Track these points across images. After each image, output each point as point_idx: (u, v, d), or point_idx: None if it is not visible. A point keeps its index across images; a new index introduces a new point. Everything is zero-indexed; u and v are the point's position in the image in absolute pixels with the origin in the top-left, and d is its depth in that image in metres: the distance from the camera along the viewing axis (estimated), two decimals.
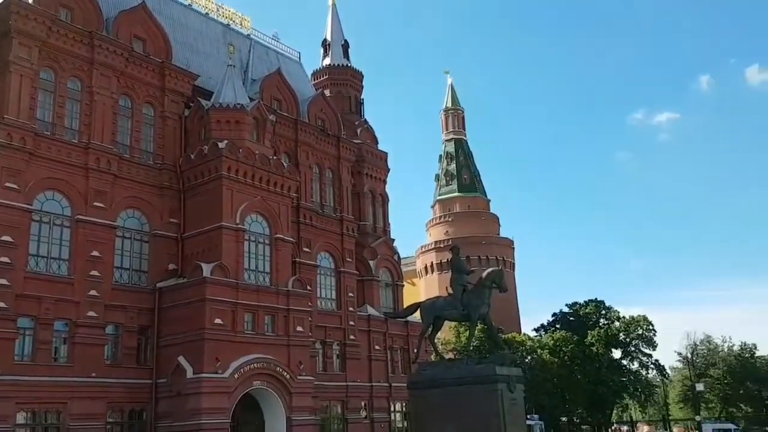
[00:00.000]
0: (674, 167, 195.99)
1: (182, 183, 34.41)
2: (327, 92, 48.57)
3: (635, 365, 67.66)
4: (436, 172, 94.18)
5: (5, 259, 27.33)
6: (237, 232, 32.75)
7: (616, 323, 67.25)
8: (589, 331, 65.74)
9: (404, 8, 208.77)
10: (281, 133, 40.58)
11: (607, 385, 64.22)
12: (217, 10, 44.13)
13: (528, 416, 38.90)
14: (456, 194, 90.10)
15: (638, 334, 66.36)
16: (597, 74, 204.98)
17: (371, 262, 45.59)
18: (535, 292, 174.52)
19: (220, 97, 35.54)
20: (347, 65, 51.77)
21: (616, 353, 67.31)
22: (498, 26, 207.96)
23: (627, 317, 67.69)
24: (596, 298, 70.32)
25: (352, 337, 41.96)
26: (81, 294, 29.48)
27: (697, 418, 68.27)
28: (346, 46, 52.69)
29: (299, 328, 34.40)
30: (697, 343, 75.66)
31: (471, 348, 29.53)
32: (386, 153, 50.83)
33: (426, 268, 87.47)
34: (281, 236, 35.00)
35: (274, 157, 36.44)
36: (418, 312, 20.68)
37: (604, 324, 67.55)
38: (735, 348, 74.49)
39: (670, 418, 79.59)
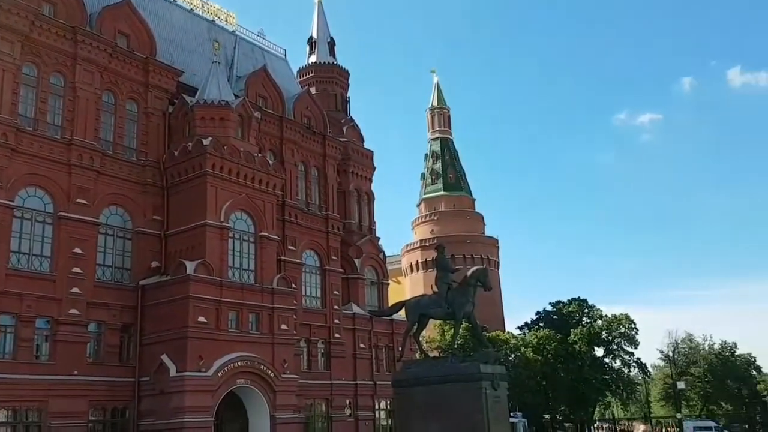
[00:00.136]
0: (657, 168, 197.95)
1: (166, 180, 34.16)
2: (313, 90, 48.45)
3: (617, 363, 68.32)
4: (421, 171, 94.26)
5: None
6: (221, 230, 32.58)
7: (599, 322, 67.81)
8: (572, 330, 66.23)
9: (390, 7, 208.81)
10: (266, 131, 40.42)
11: (590, 383, 64.78)
12: (202, 6, 43.81)
13: (511, 414, 39.11)
14: (441, 193, 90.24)
15: (620, 333, 66.96)
16: (581, 75, 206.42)
17: (356, 261, 45.60)
18: (520, 290, 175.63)
19: (204, 93, 35.33)
20: (333, 63, 51.66)
21: (599, 351, 67.89)
22: (484, 26, 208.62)
23: (609, 316, 68.28)
24: (579, 297, 70.88)
25: (337, 335, 41.94)
26: (63, 291, 29.20)
27: (678, 415, 69.06)
28: (332, 44, 52.58)
29: (284, 327, 34.33)
30: (679, 341, 76.63)
31: (455, 346, 29.61)
32: (372, 151, 50.84)
33: (411, 266, 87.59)
34: (266, 234, 34.89)
35: (259, 155, 36.29)
36: (403, 310, 20.71)
37: (586, 322, 68.07)
38: (716, 346, 75.45)
39: (652, 415, 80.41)
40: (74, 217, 30.23)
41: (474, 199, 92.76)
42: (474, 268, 20.63)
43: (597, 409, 76.64)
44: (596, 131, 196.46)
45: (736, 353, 74.73)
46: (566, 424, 73.59)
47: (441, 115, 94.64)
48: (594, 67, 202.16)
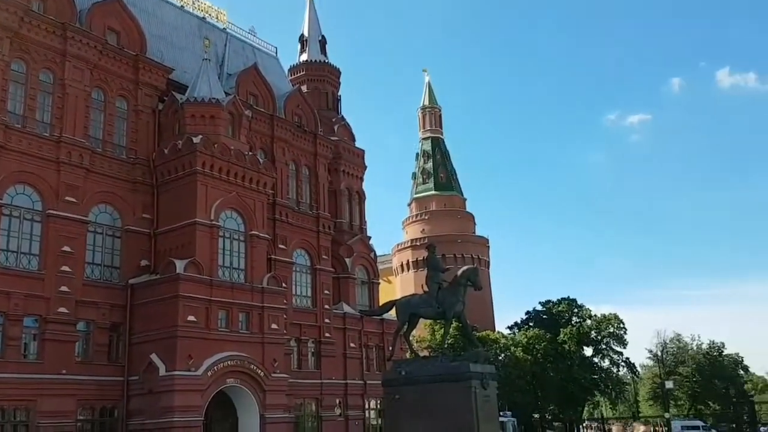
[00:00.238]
0: (646, 168, 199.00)
1: (155, 178, 33.99)
2: (304, 88, 48.34)
3: (606, 363, 68.66)
4: (412, 171, 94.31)
5: None
6: (211, 229, 32.45)
7: (588, 321, 68.10)
8: (561, 329, 66.48)
9: (382, 5, 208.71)
10: (257, 129, 40.30)
11: (579, 382, 65.06)
12: (193, 3, 43.60)
13: (501, 413, 39.22)
14: (432, 192, 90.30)
15: (609, 332, 67.29)
16: (571, 76, 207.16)
17: (347, 260, 45.56)
18: (510, 290, 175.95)
19: (194, 91, 35.17)
20: (324, 61, 51.58)
21: (588, 351, 68.20)
22: (475, 26, 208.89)
23: (599, 315, 68.60)
24: (569, 297, 71.11)
25: (327, 334, 41.89)
26: (51, 290, 28.99)
27: (667, 415, 69.49)
28: (323, 42, 52.50)
29: (274, 326, 34.24)
30: (667, 341, 77.04)
31: (445, 345, 29.60)
32: (363, 150, 50.80)
33: (402, 266, 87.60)
34: (256, 233, 34.78)
35: (250, 153, 36.18)
36: (394, 310, 20.71)
37: (576, 322, 68.35)
38: (704, 346, 75.97)
39: (640, 415, 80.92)
40: (63, 215, 30.01)
41: (465, 199, 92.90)
42: (464, 268, 20.66)
43: (586, 408, 76.96)
44: (586, 132, 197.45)
45: (723, 353, 75.29)
46: (555, 424, 73.90)
47: (432, 114, 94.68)
48: (584, 68, 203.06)
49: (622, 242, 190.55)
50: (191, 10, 43.49)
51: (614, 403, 75.70)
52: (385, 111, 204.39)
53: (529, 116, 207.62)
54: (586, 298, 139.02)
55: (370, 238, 49.37)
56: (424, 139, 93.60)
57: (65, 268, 29.61)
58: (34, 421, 27.43)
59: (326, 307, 42.38)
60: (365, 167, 50.73)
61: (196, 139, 32.81)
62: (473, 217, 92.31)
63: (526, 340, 65.81)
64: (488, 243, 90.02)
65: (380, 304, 38.55)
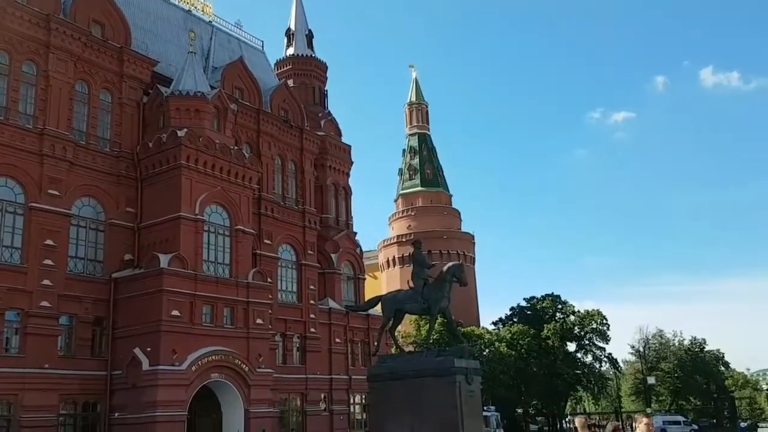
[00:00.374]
0: (630, 165, 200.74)
1: (140, 171, 33.74)
2: (290, 83, 48.17)
3: (589, 358, 69.29)
4: (399, 167, 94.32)
5: None
6: (196, 223, 32.28)
7: (572, 317, 68.66)
8: (545, 325, 66.95)
9: (370, 0, 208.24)
10: (243, 123, 40.10)
11: (562, 377, 65.60)
12: None
13: (485, 408, 39.38)
14: (419, 189, 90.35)
15: (592, 328, 67.89)
16: (556, 73, 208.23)
17: (333, 255, 45.53)
18: (494, 286, 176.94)
19: (179, 84, 34.91)
20: (311, 56, 51.39)
21: (571, 346, 68.78)
22: (462, 24, 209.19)
23: (582, 312, 69.17)
24: (553, 293, 71.58)
25: (312, 329, 41.87)
26: (34, 283, 28.72)
27: (648, 410, 70.15)
28: (310, 36, 52.29)
29: (259, 321, 34.17)
30: (649, 337, 77.82)
31: (430, 341, 29.68)
32: (350, 146, 50.73)
33: (388, 261, 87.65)
34: (242, 228, 34.65)
35: (235, 148, 36.00)
36: (379, 305, 20.76)
37: (559, 318, 68.88)
38: (685, 342, 76.81)
39: (622, 410, 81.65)
40: (46, 208, 29.72)
41: (451, 195, 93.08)
42: (450, 264, 20.72)
43: (569, 403, 77.59)
44: (571, 129, 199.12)
45: (705, 349, 76.21)
46: (538, 418, 74.42)
47: (419, 110, 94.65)
48: (569, 66, 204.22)
49: (606, 239, 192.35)
50: (177, 3, 43.16)
51: (597, 398, 76.36)
52: (372, 106, 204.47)
53: (514, 113, 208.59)
54: (569, 295, 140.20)
55: (356, 233, 49.39)
56: (410, 135, 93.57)
57: (48, 261, 29.34)
58: (16, 415, 27.22)
59: (312, 302, 42.35)
60: (352, 163, 50.69)
61: (180, 133, 32.59)
62: (459, 214, 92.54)
63: (510, 335, 66.21)
64: (474, 239, 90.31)
65: (366, 299, 38.62)
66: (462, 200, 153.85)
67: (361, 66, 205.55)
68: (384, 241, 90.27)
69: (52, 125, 30.59)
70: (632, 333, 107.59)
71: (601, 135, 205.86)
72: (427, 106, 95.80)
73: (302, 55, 50.98)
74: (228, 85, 39.87)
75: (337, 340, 44.01)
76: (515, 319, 70.79)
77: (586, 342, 68.70)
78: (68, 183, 30.97)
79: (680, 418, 64.67)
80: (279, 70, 50.19)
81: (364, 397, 42.57)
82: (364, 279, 49.59)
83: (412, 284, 20.19)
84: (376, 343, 23.37)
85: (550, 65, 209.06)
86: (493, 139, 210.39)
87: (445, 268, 20.16)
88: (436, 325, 28.48)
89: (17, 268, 28.63)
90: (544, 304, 70.29)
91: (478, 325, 74.76)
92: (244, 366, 32.54)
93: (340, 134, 50.55)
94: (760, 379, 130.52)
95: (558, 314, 69.63)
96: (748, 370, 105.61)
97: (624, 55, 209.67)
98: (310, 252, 43.22)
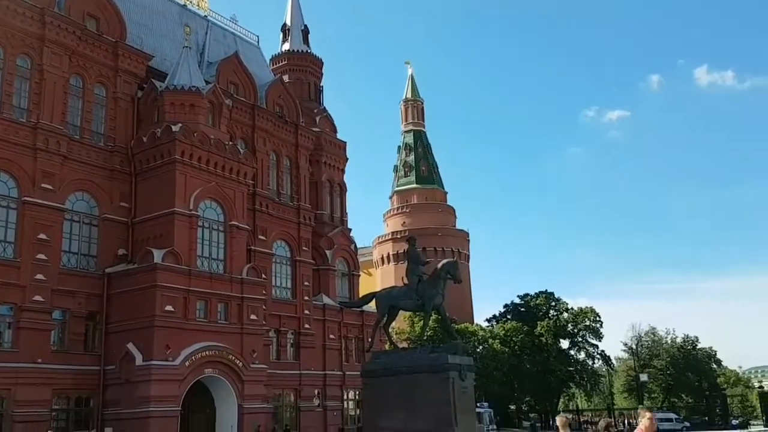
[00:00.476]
0: (624, 163, 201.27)
1: (134, 166, 33.64)
2: (286, 78, 48.05)
3: (582, 355, 69.65)
4: (394, 163, 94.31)
5: None
6: (190, 218, 32.22)
7: (565, 314, 68.96)
8: (538, 322, 67.22)
9: None
10: (238, 119, 40.01)
11: (555, 374, 65.88)
12: None
13: (478, 404, 39.53)
14: (414, 186, 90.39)
15: (585, 325, 68.20)
16: (551, 72, 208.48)
17: (328, 252, 45.52)
18: (489, 283, 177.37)
19: (174, 79, 34.81)
20: (307, 51, 51.27)
21: (564, 343, 69.10)
22: (458, 23, 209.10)
23: (575, 309, 69.50)
24: (546, 290, 71.93)
25: (306, 326, 41.88)
26: (27, 278, 28.63)
27: (640, 407, 70.40)
28: (306, 32, 52.17)
29: (253, 317, 34.16)
30: (642, 334, 78.07)
31: (424, 337, 29.75)
32: (345, 142, 50.67)
33: (382, 258, 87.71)
34: (236, 223, 34.60)
35: (230, 143, 35.93)
36: (374, 302, 20.79)
37: (553, 315, 69.16)
38: (678, 340, 77.06)
39: (615, 407, 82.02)
40: (39, 203, 29.63)
41: (446, 192, 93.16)
42: (444, 261, 20.75)
43: (561, 399, 77.84)
44: (565, 127, 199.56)
45: (697, 347, 76.51)
46: (531, 415, 74.67)
47: (415, 107, 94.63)
48: (563, 64, 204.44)
49: (600, 237, 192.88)
50: None
51: (589, 394, 76.72)
52: (368, 103, 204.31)
53: (509, 111, 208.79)
54: (563, 292, 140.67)
55: (350, 230, 49.39)
56: (406, 131, 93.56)
57: (41, 256, 29.26)
58: (9, 410, 27.15)
59: (306, 298, 42.35)
60: (347, 159, 50.64)
61: (175, 128, 32.50)
62: (454, 211, 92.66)
63: (503, 332, 66.42)
64: (468, 236, 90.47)
65: (360, 296, 38.61)
66: (457, 197, 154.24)
67: (356, 62, 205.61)
68: (379, 237, 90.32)
69: (46, 119, 30.47)
70: (625, 330, 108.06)
71: (595, 133, 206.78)
72: (422, 103, 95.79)
73: (298, 50, 50.85)
74: (223, 80, 39.76)
75: (331, 336, 44.04)
76: (509, 316, 71.03)
77: (579, 339, 69.04)
78: (62, 177, 30.87)
79: (672, 416, 64.97)
80: (274, 66, 50.07)
81: (357, 393, 42.59)
82: (359, 275, 49.62)
83: (406, 281, 20.21)
84: (370, 340, 23.41)
85: (546, 63, 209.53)
86: (488, 136, 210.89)
87: (439, 265, 20.19)
88: (430, 321, 28.59)
89: (10, 263, 28.54)
90: (537, 301, 70.54)
91: (472, 322, 74.95)
92: (237, 361, 32.54)
93: (335, 130, 50.48)
94: (752, 377, 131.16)
95: (551, 311, 69.89)
96: (740, 367, 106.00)
97: (619, 54, 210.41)
98: (304, 248, 43.20)
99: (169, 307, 30.10)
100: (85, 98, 33.15)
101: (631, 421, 75.77)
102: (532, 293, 72.10)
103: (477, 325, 72.53)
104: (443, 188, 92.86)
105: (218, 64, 40.71)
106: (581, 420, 72.15)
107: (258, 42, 49.25)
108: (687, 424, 65.35)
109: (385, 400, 18.47)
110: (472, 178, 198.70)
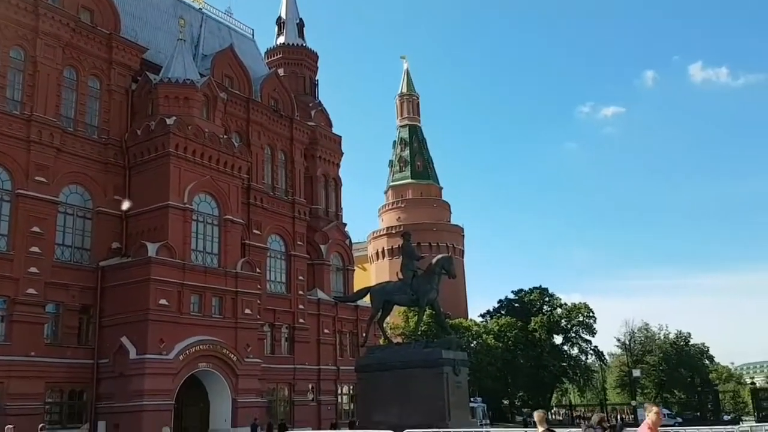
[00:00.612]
0: (619, 159, 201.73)
1: (128, 159, 33.51)
2: (281, 72, 47.90)
3: (575, 351, 69.90)
4: (389, 158, 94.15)
5: None
6: (184, 212, 32.12)
7: (559, 310, 69.17)
8: (532, 318, 67.42)
9: None
10: (232, 112, 39.87)
11: (548, 369, 66.09)
12: None
13: (471, 398, 39.58)
14: (409, 181, 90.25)
15: (579, 321, 68.43)
16: (547, 68, 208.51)
17: (322, 246, 45.48)
18: (483, 279, 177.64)
19: (169, 71, 34.63)
20: (302, 45, 51.07)
21: (558, 339, 69.31)
22: (454, 18, 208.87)
23: (569, 304, 69.70)
24: (540, 286, 72.13)
25: (301, 320, 41.86)
26: (20, 271, 28.50)
27: (633, 403, 70.77)
28: (301, 25, 51.95)
29: (247, 311, 34.12)
30: (635, 330, 78.33)
31: (419, 332, 29.80)
32: (340, 137, 50.58)
33: (377, 253, 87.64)
34: (230, 217, 34.52)
35: (225, 136, 35.80)
36: (368, 296, 20.82)
37: (547, 311, 69.38)
38: (671, 336, 77.39)
39: (608, 402, 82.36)
40: (33, 195, 29.48)
41: (441, 188, 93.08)
42: (439, 256, 20.81)
43: (554, 395, 78.09)
44: (560, 123, 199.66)
45: (690, 343, 76.83)
46: (524, 409, 74.90)
47: (410, 102, 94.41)
48: (559, 60, 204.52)
49: (594, 232, 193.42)
50: None
51: (582, 390, 76.96)
52: (363, 98, 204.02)
53: (505, 106, 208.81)
54: (557, 287, 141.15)
55: (345, 225, 49.33)
56: (401, 126, 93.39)
57: (35, 248, 29.13)
58: (2, 403, 27.03)
59: (300, 293, 42.31)
60: (342, 154, 50.54)
61: (169, 121, 32.35)
62: (449, 206, 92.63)
63: (497, 327, 66.56)
64: (463, 232, 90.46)
65: (355, 291, 38.60)
66: (452, 193, 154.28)
67: (352, 57, 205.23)
68: (373, 232, 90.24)
69: (39, 111, 30.28)
70: (618, 326, 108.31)
71: (590, 129, 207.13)
72: (418, 98, 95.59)
73: (293, 44, 50.65)
74: (218, 73, 39.58)
75: (326, 330, 44.03)
76: (503, 312, 71.17)
77: (573, 335, 69.29)
78: (55, 170, 30.70)
79: (664, 411, 65.23)
80: (269, 59, 49.86)
81: (352, 387, 42.67)
82: (353, 270, 49.61)
83: (401, 276, 20.26)
84: (364, 334, 23.45)
85: (541, 59, 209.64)
86: (483, 132, 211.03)
87: (434, 260, 20.24)
88: (424, 316, 28.59)
89: (3, 255, 28.40)
90: (531, 297, 70.70)
91: (466, 317, 75.04)
92: (232, 356, 32.51)
93: (330, 125, 50.37)
94: (744, 373, 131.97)
95: (545, 307, 70.09)
96: (732, 364, 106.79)
97: (614, 50, 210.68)
98: (299, 243, 43.14)
99: (163, 301, 30.02)
100: (79, 90, 32.96)
101: (623, 416, 76.21)
102: (526, 289, 72.30)
103: (471, 320, 72.63)
104: (438, 183, 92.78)
105: (213, 57, 40.52)
106: (574, 415, 72.43)
107: (253, 35, 49.07)
108: (679, 419, 65.65)
109: (380, 395, 18.52)
110: (468, 173, 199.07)
